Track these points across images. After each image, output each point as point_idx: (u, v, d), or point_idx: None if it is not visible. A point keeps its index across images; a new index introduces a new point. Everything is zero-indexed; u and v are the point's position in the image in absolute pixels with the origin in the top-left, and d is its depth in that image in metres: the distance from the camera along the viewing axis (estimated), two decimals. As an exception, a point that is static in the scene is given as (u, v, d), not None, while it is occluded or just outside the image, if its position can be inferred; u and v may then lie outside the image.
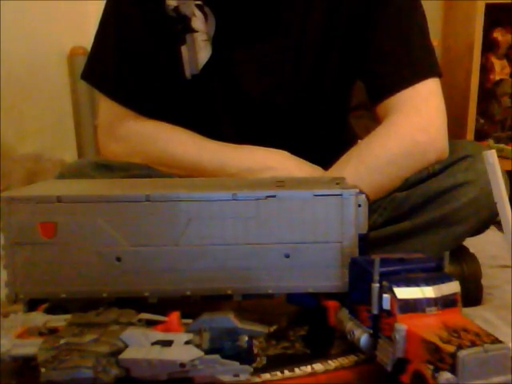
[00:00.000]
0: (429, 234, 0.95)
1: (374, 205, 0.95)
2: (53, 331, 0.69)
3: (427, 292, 0.64)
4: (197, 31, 1.05)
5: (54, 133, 2.03)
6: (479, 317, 0.89)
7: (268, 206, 0.76)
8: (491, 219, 0.95)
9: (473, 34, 1.97)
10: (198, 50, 1.06)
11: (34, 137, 2.00)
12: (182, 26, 1.05)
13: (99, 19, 1.10)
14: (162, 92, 1.08)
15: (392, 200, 0.98)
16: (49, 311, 0.77)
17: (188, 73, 1.08)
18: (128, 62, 1.07)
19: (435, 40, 2.07)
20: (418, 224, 0.95)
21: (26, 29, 1.94)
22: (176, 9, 1.04)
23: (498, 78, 2.09)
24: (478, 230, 0.98)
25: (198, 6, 1.04)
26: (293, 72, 1.07)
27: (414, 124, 0.98)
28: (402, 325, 0.61)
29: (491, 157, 0.80)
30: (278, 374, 0.72)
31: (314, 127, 1.09)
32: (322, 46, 1.06)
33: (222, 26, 1.05)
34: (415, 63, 1.03)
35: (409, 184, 0.98)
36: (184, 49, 1.06)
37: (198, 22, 1.05)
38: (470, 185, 0.93)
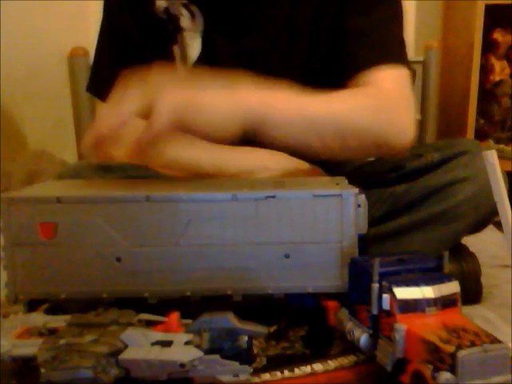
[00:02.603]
0: (428, 231, 0.95)
1: (372, 198, 0.95)
2: (53, 332, 0.69)
3: (427, 292, 0.64)
4: (185, 29, 1.06)
5: (54, 133, 2.03)
6: (480, 316, 0.89)
7: (268, 207, 0.76)
8: (490, 216, 0.95)
9: (473, 34, 1.97)
10: (188, 48, 1.07)
11: (34, 137, 2.00)
12: (172, 26, 1.06)
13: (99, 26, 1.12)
14: None
15: (390, 194, 0.98)
16: (49, 312, 0.77)
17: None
18: (124, 67, 1.08)
19: (435, 40, 2.09)
20: (416, 220, 0.95)
21: (26, 29, 1.94)
22: (166, 10, 1.05)
23: (497, 78, 2.09)
24: (477, 227, 0.98)
25: (183, 4, 1.05)
26: (283, 64, 1.08)
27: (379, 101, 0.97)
28: (402, 325, 0.62)
29: (491, 157, 0.80)
30: (278, 374, 0.72)
31: None
32: (311, 36, 1.06)
33: (209, 23, 1.06)
34: (386, 47, 1.03)
35: (406, 172, 0.98)
36: (176, 48, 1.07)
37: (185, 20, 1.06)
38: (468, 181, 0.93)
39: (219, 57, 1.07)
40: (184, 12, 1.05)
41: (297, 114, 0.87)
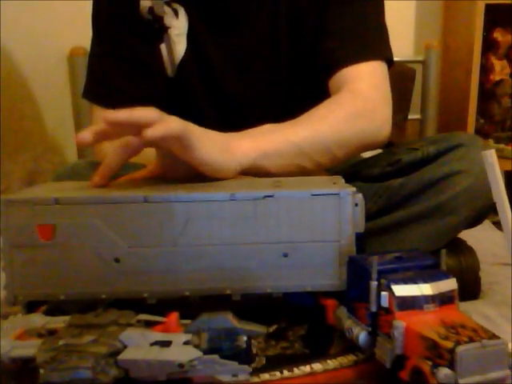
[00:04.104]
0: (424, 224, 0.95)
1: (369, 193, 0.96)
2: (52, 333, 0.69)
3: (425, 289, 0.64)
4: (170, 28, 1.08)
5: (54, 133, 2.03)
6: (480, 313, 0.89)
7: (266, 206, 0.76)
8: (486, 209, 0.95)
9: (473, 34, 1.97)
10: (174, 46, 1.08)
11: (34, 137, 2.01)
12: (158, 25, 1.08)
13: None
14: (149, 93, 1.10)
15: (387, 188, 0.98)
16: (48, 313, 0.77)
17: (170, 70, 1.10)
18: (113, 70, 1.10)
19: (435, 40, 2.09)
20: (413, 213, 0.96)
21: (26, 29, 1.95)
22: (150, 9, 1.06)
23: (497, 78, 2.10)
24: (474, 220, 0.98)
25: (166, 3, 1.07)
26: (269, 61, 1.09)
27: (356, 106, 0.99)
28: (401, 322, 0.62)
29: (490, 156, 0.80)
30: (277, 374, 0.71)
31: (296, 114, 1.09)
32: (292, 34, 1.08)
33: (194, 21, 1.08)
34: (364, 43, 1.05)
35: (402, 166, 0.99)
36: (163, 47, 1.09)
37: (169, 18, 1.07)
38: (464, 174, 0.93)
39: (205, 54, 1.09)
40: (168, 10, 1.07)
41: (286, 146, 0.89)
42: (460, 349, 0.56)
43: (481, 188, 0.90)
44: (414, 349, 0.61)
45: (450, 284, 0.66)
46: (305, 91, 1.10)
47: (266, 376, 0.71)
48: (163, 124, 0.74)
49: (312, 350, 0.77)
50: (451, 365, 0.56)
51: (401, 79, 1.86)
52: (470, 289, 0.96)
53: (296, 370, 0.72)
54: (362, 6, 1.05)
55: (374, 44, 1.06)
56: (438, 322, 0.61)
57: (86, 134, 0.76)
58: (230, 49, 1.08)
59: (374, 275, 0.65)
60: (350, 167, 1.10)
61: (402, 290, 0.63)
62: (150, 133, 0.73)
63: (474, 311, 0.87)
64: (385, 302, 0.64)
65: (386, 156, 1.05)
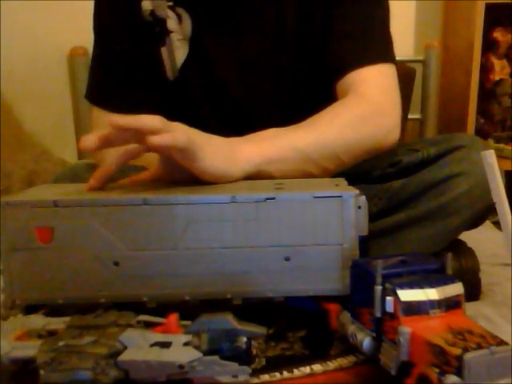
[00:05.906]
0: (424, 226, 0.95)
1: (369, 194, 0.96)
2: (52, 334, 0.69)
3: (431, 294, 0.63)
4: (172, 32, 1.07)
5: (54, 133, 2.03)
6: (480, 314, 0.89)
7: (267, 209, 0.75)
8: (486, 211, 0.95)
9: (473, 34, 1.97)
10: (175, 50, 1.08)
11: (34, 137, 2.01)
12: (159, 28, 1.07)
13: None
14: (149, 96, 1.10)
15: (387, 190, 0.98)
16: (48, 314, 0.76)
17: (170, 74, 1.09)
18: (114, 72, 1.11)
19: (435, 39, 2.09)
20: (413, 215, 0.95)
21: (26, 29, 1.95)
22: (152, 12, 1.06)
23: (498, 77, 2.10)
24: (474, 222, 0.98)
25: (169, 7, 1.06)
26: (274, 64, 1.09)
27: (364, 110, 0.99)
28: (406, 327, 0.61)
29: (490, 157, 0.79)
30: (277, 374, 0.72)
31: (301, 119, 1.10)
32: (298, 38, 1.07)
33: (197, 25, 1.07)
34: (371, 45, 1.05)
35: (402, 167, 0.99)
36: (164, 50, 1.08)
37: (172, 22, 1.07)
38: (464, 176, 0.92)
39: (208, 57, 1.08)
40: (171, 14, 1.06)
41: (291, 152, 0.89)
42: (468, 356, 0.55)
43: (481, 190, 0.89)
44: (420, 355, 0.60)
45: (456, 288, 0.65)
46: (310, 93, 1.10)
47: (265, 377, 0.71)
48: (170, 134, 0.74)
49: (312, 351, 0.77)
50: (459, 372, 0.55)
51: (401, 79, 1.85)
52: (471, 290, 0.96)
53: (296, 371, 0.72)
54: (369, 10, 1.05)
55: (382, 47, 1.06)
56: (444, 327, 0.60)
57: (90, 140, 0.76)
58: (234, 52, 1.08)
59: (379, 279, 0.64)
60: (351, 168, 1.10)
61: (407, 294, 0.62)
62: (157, 140, 0.73)
63: (475, 312, 0.87)
64: (390, 307, 0.63)
65: (386, 157, 1.05)
